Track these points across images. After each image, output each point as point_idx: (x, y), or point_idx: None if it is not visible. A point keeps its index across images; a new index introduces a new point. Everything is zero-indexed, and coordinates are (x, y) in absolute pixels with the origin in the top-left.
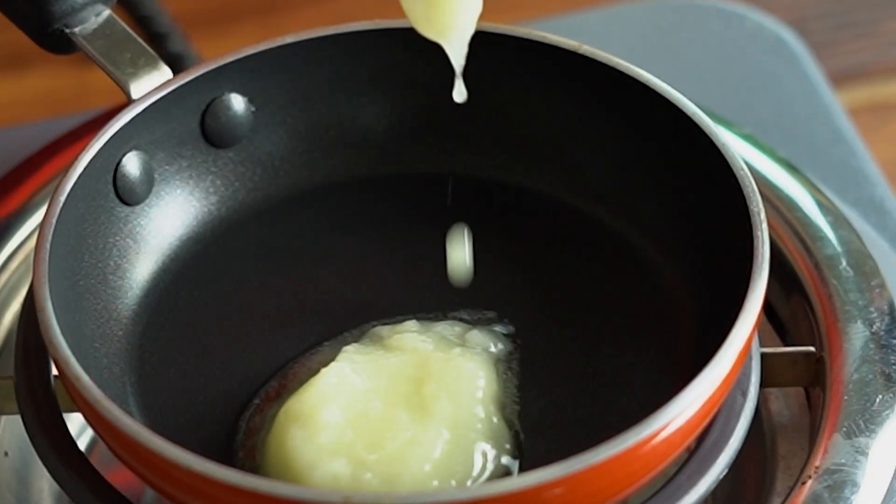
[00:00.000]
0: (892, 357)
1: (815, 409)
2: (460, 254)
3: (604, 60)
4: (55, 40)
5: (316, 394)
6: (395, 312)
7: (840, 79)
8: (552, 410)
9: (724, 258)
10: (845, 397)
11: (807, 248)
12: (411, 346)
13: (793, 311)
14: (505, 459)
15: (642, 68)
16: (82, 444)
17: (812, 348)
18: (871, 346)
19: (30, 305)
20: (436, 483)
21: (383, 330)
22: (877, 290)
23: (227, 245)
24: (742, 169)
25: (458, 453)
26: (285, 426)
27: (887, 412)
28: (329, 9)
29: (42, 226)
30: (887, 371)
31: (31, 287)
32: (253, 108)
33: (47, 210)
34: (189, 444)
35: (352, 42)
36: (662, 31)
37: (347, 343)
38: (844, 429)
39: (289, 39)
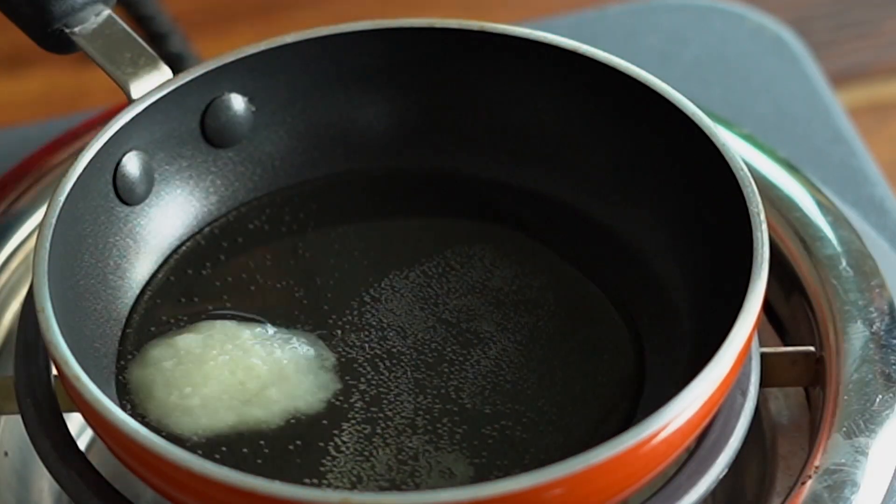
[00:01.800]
0: (892, 357)
1: (814, 409)
2: None
3: (604, 60)
4: (55, 40)
5: (203, 325)
6: (393, 311)
7: (840, 79)
8: (552, 410)
9: (724, 258)
10: (845, 397)
11: (807, 248)
12: (304, 365)
13: (793, 311)
14: None
15: (642, 68)
16: (82, 444)
17: (812, 348)
18: (871, 346)
19: (30, 305)
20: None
21: (320, 342)
22: (877, 290)
23: (227, 245)
24: (742, 169)
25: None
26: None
27: (887, 412)
28: (329, 9)
29: (42, 226)
30: (887, 371)
31: (31, 287)
32: (253, 108)
33: (47, 210)
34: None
35: (352, 42)
36: (662, 31)
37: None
38: (844, 429)
39: (289, 39)
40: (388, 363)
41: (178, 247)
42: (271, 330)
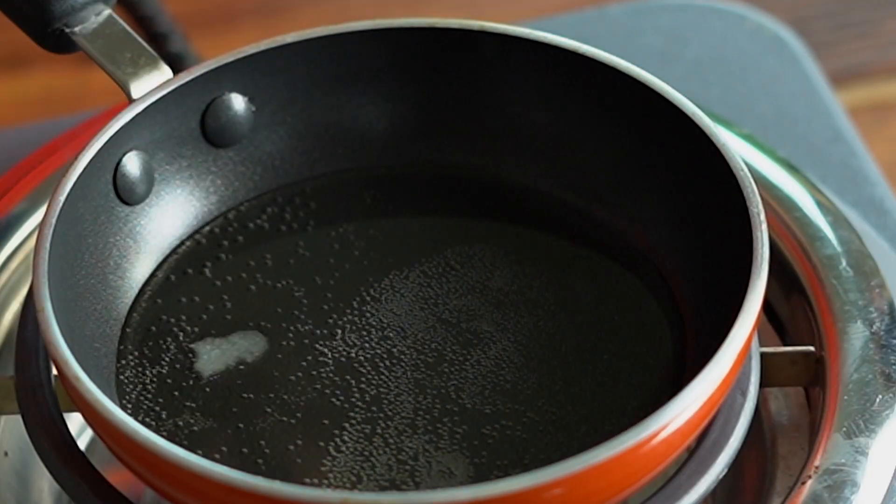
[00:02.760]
0: (892, 357)
1: (814, 409)
2: None
3: (604, 60)
4: (55, 40)
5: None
6: (393, 311)
7: (840, 79)
8: (552, 410)
9: (724, 258)
10: (845, 397)
11: (807, 248)
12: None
13: (792, 310)
14: None
15: (642, 68)
16: (82, 443)
17: (812, 348)
18: (871, 346)
19: (30, 305)
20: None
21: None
22: (877, 290)
23: (227, 245)
24: (742, 169)
25: None
26: None
27: (887, 412)
28: (329, 9)
29: (42, 226)
30: (887, 371)
31: (31, 287)
32: (253, 108)
33: (47, 210)
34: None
35: (352, 42)
36: (662, 31)
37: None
38: (844, 429)
39: (289, 39)
40: (388, 363)
41: (178, 246)
42: (265, 333)
